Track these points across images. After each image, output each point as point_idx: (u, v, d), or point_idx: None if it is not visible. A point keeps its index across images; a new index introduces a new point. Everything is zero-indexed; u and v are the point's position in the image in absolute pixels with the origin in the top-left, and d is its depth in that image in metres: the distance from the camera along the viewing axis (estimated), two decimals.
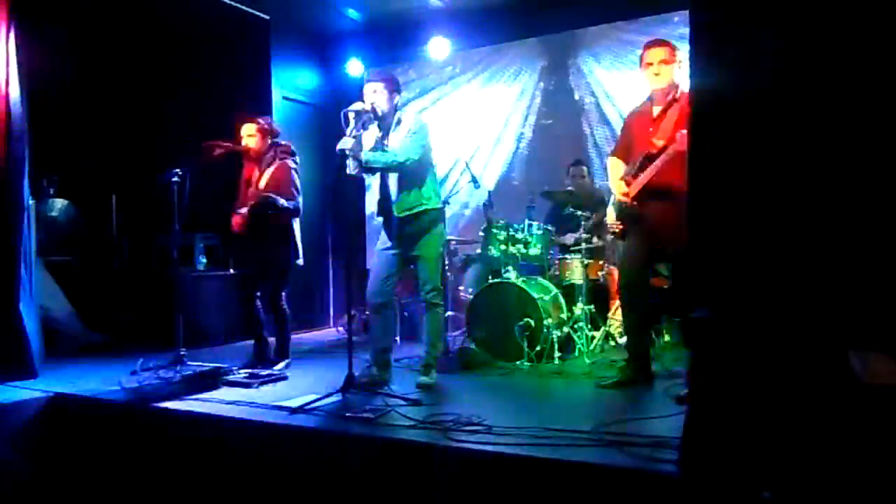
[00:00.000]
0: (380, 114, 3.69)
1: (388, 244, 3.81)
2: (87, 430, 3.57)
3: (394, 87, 3.77)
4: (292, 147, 4.58)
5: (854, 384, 1.66)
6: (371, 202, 4.08)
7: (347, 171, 3.66)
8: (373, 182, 3.92)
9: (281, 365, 4.37)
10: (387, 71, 3.87)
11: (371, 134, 3.77)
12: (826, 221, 1.75)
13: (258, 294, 4.47)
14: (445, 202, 5.04)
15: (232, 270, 5.78)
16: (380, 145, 3.74)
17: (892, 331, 1.64)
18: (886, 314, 1.65)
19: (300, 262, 4.50)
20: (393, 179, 3.73)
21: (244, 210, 4.34)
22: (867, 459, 1.64)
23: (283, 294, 4.47)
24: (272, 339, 4.55)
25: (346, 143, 3.56)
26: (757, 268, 1.89)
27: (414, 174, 3.70)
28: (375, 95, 3.68)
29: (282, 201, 4.31)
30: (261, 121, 4.51)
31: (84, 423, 3.60)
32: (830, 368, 1.71)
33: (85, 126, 6.27)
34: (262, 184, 4.36)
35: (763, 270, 1.87)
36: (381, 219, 3.88)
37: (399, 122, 3.74)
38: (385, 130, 3.76)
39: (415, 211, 3.71)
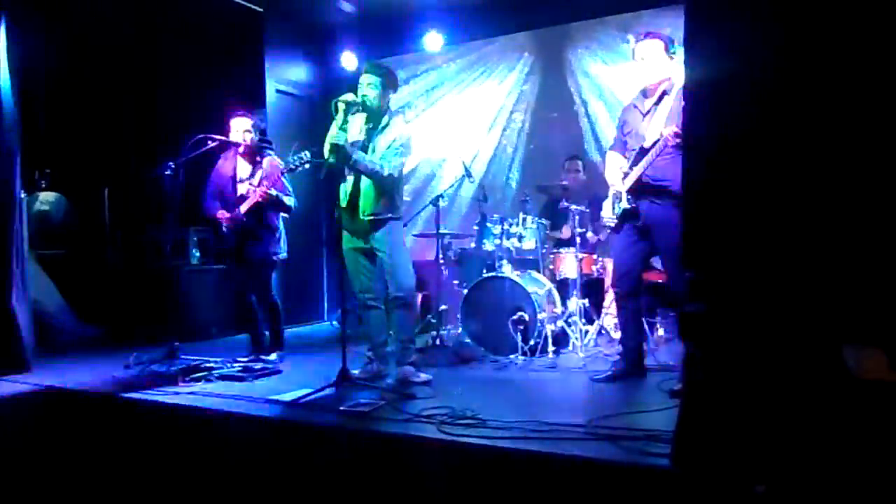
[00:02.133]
0: (370, 106, 3.68)
1: (358, 242, 3.80)
2: (79, 423, 3.56)
3: (391, 84, 3.77)
4: (270, 142, 4.62)
5: (847, 379, 1.67)
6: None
7: (334, 141, 3.61)
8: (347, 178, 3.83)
9: (273, 356, 4.37)
10: (386, 66, 3.85)
11: (357, 122, 3.75)
12: (821, 215, 1.76)
13: (253, 289, 4.46)
14: (439, 196, 5.05)
15: (221, 265, 5.77)
16: (368, 140, 3.72)
17: (886, 325, 1.65)
18: (880, 309, 1.65)
19: (284, 255, 4.52)
20: (366, 180, 3.72)
21: (242, 208, 4.30)
22: (860, 454, 1.65)
23: (272, 287, 4.48)
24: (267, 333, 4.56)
25: (339, 139, 3.55)
26: (751, 262, 1.89)
27: (389, 182, 3.71)
28: (370, 88, 3.67)
29: (286, 199, 4.38)
30: (255, 116, 4.51)
31: (76, 417, 3.59)
32: (824, 363, 1.72)
33: (77, 119, 6.22)
34: (256, 181, 4.35)
35: (757, 264, 1.88)
36: (345, 214, 3.78)
37: (388, 124, 3.73)
38: (374, 124, 3.74)
39: (382, 216, 3.71)
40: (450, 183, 5.44)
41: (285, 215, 4.52)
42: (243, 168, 4.45)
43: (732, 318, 1.91)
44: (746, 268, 1.88)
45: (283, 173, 4.24)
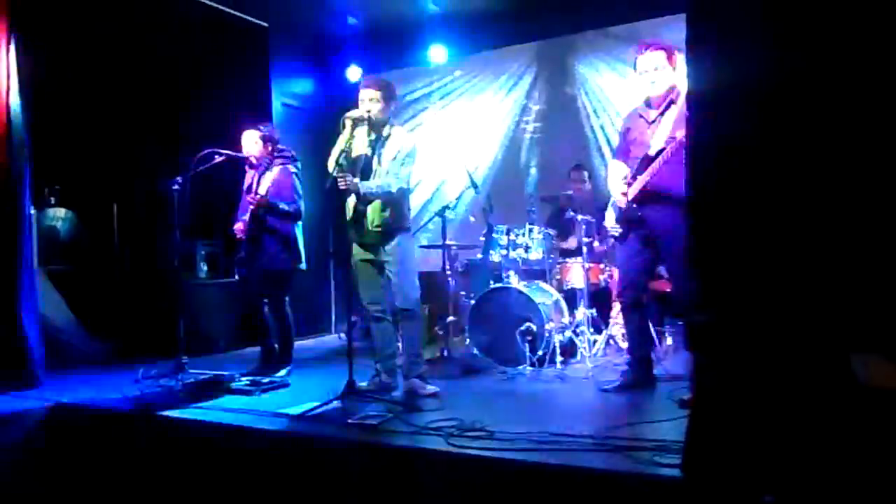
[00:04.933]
0: (374, 121, 3.70)
1: (366, 255, 3.80)
2: (89, 439, 3.57)
3: (390, 97, 3.79)
4: (294, 153, 4.59)
5: (856, 388, 1.65)
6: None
7: (340, 187, 3.64)
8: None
9: (283, 371, 4.36)
10: (384, 79, 3.88)
11: (361, 137, 3.76)
12: (828, 223, 1.75)
13: (265, 300, 4.47)
14: (445, 207, 5.06)
15: (237, 276, 5.80)
16: (372, 153, 3.74)
17: (894, 334, 1.64)
18: (889, 317, 1.64)
19: (303, 266, 4.50)
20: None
21: (246, 216, 4.36)
22: (869, 463, 1.63)
23: (286, 299, 4.47)
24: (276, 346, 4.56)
25: (348, 185, 3.57)
26: (759, 270, 1.88)
27: (398, 195, 3.71)
28: (372, 103, 3.69)
29: (282, 205, 4.32)
30: (262, 128, 4.53)
31: (86, 433, 3.59)
32: (833, 372, 1.70)
33: (86, 135, 6.28)
34: (262, 189, 4.38)
35: (765, 273, 1.87)
36: (352, 228, 3.81)
37: (389, 136, 3.74)
38: (377, 136, 3.76)
39: (391, 228, 3.70)
40: (456, 194, 5.44)
41: (294, 223, 4.47)
42: (254, 179, 4.49)
43: (740, 328, 1.90)
44: (753, 276, 1.87)
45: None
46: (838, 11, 1.71)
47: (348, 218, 3.79)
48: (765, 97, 1.85)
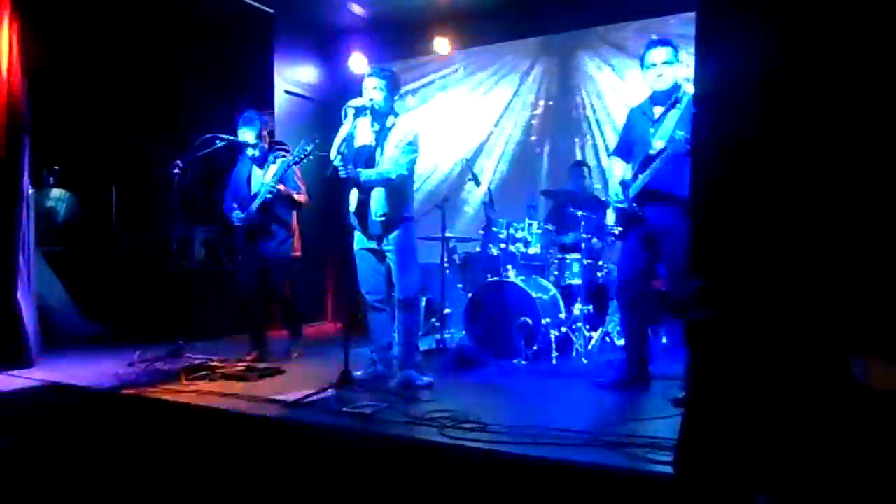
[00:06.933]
0: (378, 109, 3.69)
1: (369, 244, 3.80)
2: (82, 420, 3.57)
3: (395, 86, 3.78)
4: (285, 143, 4.64)
5: (855, 389, 1.66)
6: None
7: (341, 175, 3.64)
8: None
9: (295, 355, 4.43)
10: (390, 69, 3.85)
11: (364, 126, 3.75)
12: (829, 224, 1.75)
13: (259, 287, 4.49)
14: (445, 200, 5.05)
15: (230, 266, 5.82)
16: (376, 142, 3.73)
17: (893, 335, 1.64)
18: (888, 318, 1.65)
19: (298, 253, 4.55)
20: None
21: (254, 205, 4.33)
22: (866, 464, 1.64)
23: (287, 284, 4.51)
24: (271, 333, 4.59)
25: (346, 173, 3.58)
26: (758, 270, 1.88)
27: (399, 182, 3.70)
28: (376, 92, 3.67)
29: (295, 194, 4.39)
30: (264, 118, 4.54)
31: (80, 413, 3.60)
32: (831, 372, 1.71)
33: (86, 117, 6.26)
34: (266, 178, 4.38)
35: (764, 273, 1.87)
36: (356, 218, 3.81)
37: (394, 125, 3.73)
38: (381, 126, 3.74)
39: (395, 216, 3.70)
40: (456, 187, 5.44)
41: (296, 212, 4.53)
42: (256, 168, 4.49)
43: (739, 326, 1.90)
44: (754, 275, 1.87)
45: (288, 166, 4.27)
46: (848, 11, 1.70)
47: (352, 207, 3.78)
48: (771, 97, 1.85)
